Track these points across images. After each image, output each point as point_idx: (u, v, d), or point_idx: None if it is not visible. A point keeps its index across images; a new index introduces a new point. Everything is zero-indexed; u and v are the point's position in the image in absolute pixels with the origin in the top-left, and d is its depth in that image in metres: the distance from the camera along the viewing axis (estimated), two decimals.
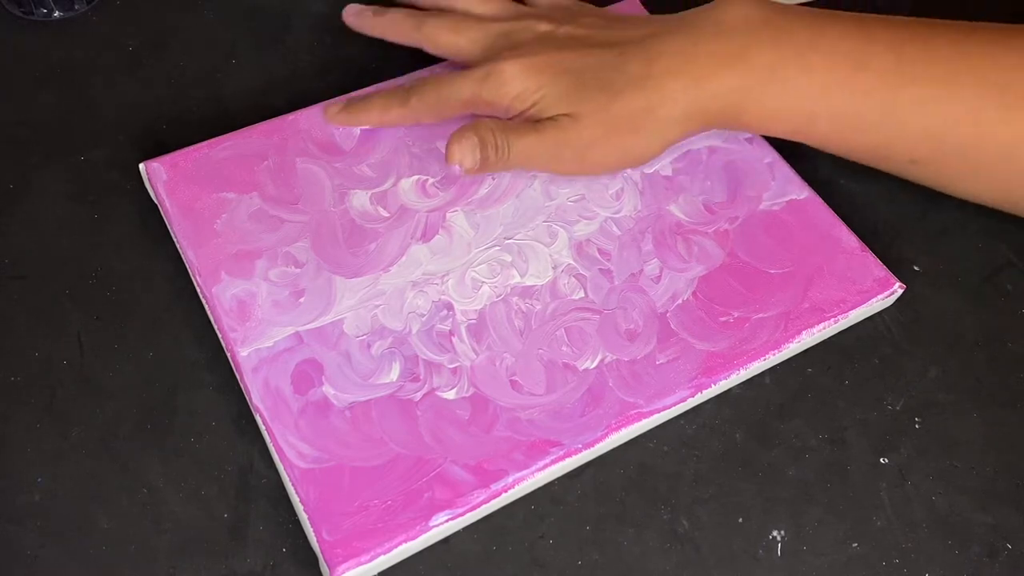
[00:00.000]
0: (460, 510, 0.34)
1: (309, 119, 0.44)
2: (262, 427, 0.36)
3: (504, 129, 0.40)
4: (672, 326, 0.39)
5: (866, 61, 0.38)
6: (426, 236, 0.41)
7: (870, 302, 0.40)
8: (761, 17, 0.40)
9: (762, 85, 0.39)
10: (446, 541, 0.35)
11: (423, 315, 0.39)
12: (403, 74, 0.46)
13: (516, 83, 0.40)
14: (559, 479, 0.37)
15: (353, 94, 0.45)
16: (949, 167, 0.39)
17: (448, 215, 0.41)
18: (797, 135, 0.40)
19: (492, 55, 0.41)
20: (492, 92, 0.40)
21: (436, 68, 0.46)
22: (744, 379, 0.39)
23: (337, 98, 0.44)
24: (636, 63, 0.40)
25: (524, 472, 0.35)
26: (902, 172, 0.41)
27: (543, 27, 0.42)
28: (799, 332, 0.39)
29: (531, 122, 0.40)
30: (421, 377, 0.37)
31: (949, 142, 0.38)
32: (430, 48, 0.44)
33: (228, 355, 0.38)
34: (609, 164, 0.42)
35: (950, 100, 0.38)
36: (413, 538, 0.34)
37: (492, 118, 0.41)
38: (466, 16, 0.44)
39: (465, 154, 0.39)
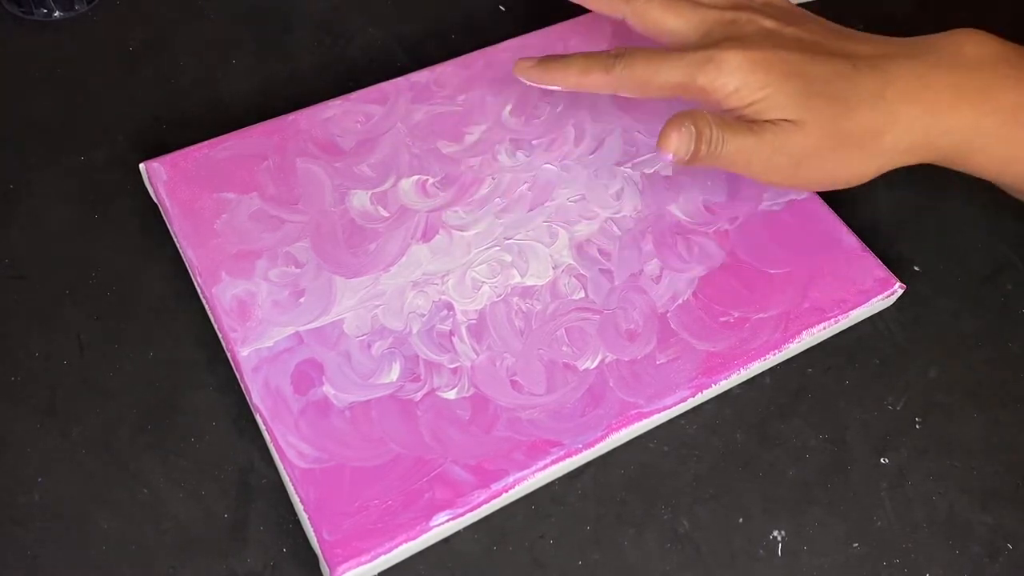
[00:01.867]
0: (460, 510, 0.34)
1: (309, 119, 0.44)
2: (262, 427, 0.36)
3: (722, 124, 0.37)
4: (672, 326, 0.39)
5: None
6: (426, 236, 0.41)
7: (870, 302, 0.40)
8: (999, 54, 0.37)
9: (1002, 126, 0.36)
10: (446, 541, 0.35)
11: (423, 315, 0.39)
12: (401, 75, 0.46)
13: (738, 76, 0.37)
14: (559, 479, 0.37)
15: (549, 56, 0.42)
16: None
17: (448, 215, 0.41)
18: (1020, 180, 0.38)
19: (710, 42, 0.38)
20: (710, 80, 0.37)
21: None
22: (744, 379, 0.39)
23: (529, 58, 0.41)
24: (871, 80, 0.37)
25: (524, 472, 0.35)
26: None
27: (769, 23, 0.39)
28: (799, 332, 0.39)
29: (747, 121, 0.38)
30: (421, 377, 0.37)
31: None
32: (637, 24, 0.41)
33: (228, 355, 0.38)
34: (820, 179, 0.39)
35: None
36: (413, 538, 0.34)
37: (707, 111, 0.38)
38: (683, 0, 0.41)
39: (682, 143, 0.37)
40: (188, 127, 0.46)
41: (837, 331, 0.40)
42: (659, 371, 0.37)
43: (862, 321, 0.41)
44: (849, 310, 0.40)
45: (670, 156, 0.37)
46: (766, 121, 0.37)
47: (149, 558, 0.34)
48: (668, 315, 0.39)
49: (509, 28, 0.49)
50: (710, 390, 0.38)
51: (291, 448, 0.35)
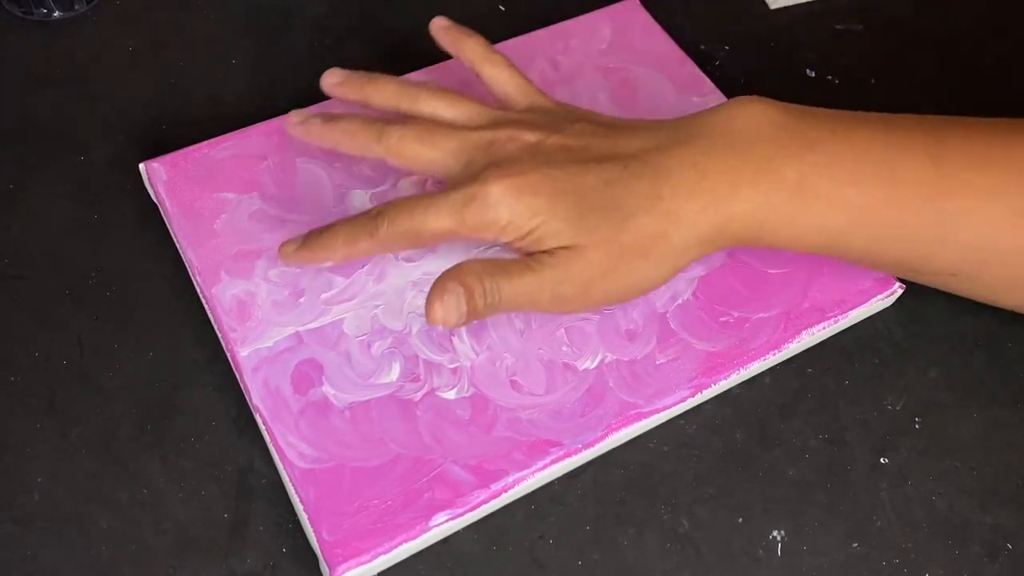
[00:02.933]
0: (460, 510, 0.34)
1: None
2: (262, 427, 0.36)
3: (493, 270, 0.35)
4: (672, 326, 0.39)
5: (902, 170, 0.34)
6: None
7: (870, 302, 0.40)
8: (778, 122, 0.35)
9: (788, 202, 0.35)
10: (446, 541, 0.35)
11: (423, 315, 0.39)
12: (401, 75, 0.46)
13: (505, 208, 0.34)
14: (559, 479, 0.37)
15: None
16: (992, 278, 0.36)
17: None
18: (824, 251, 0.36)
19: (472, 171, 0.36)
20: (477, 218, 0.35)
21: (435, 69, 0.46)
22: (744, 379, 0.39)
23: (293, 238, 0.38)
24: (644, 182, 0.35)
25: (524, 472, 0.35)
26: (940, 285, 0.37)
27: (529, 136, 0.37)
28: (799, 332, 0.39)
29: (524, 257, 0.36)
30: (421, 377, 0.37)
31: (992, 253, 0.35)
32: (395, 161, 0.38)
33: (228, 355, 0.38)
34: (613, 296, 0.37)
35: (992, 209, 0.34)
36: (413, 538, 0.34)
37: (476, 259, 0.36)
38: (434, 123, 0.38)
39: (449, 311, 0.34)
40: (188, 127, 0.46)
41: (837, 331, 0.40)
42: (659, 371, 0.37)
43: (862, 321, 0.41)
44: (849, 310, 0.40)
45: (440, 327, 0.35)
46: (543, 253, 0.35)
47: (149, 558, 0.34)
48: (668, 315, 0.39)
49: (509, 28, 0.49)
50: (710, 390, 0.38)
51: (291, 448, 0.35)
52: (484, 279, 0.35)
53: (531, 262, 0.35)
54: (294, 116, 0.40)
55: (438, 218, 0.35)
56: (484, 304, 0.35)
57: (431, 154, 0.37)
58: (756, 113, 0.36)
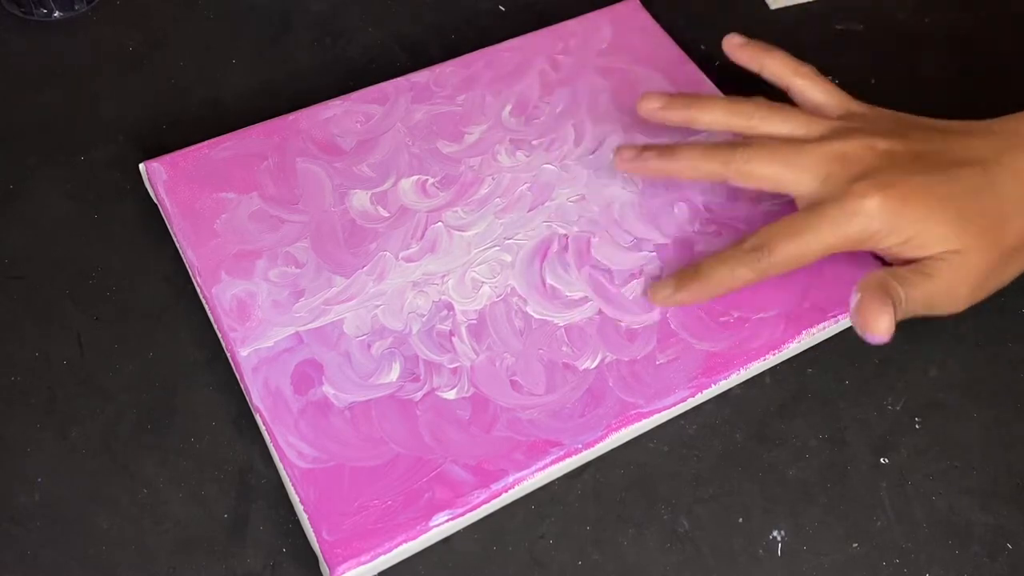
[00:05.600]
0: (460, 510, 0.34)
1: (309, 119, 0.44)
2: (262, 427, 0.36)
3: (896, 279, 0.36)
4: (672, 326, 0.39)
5: None
6: (426, 236, 0.41)
7: None
8: None
9: None
10: (446, 541, 0.35)
11: (423, 315, 0.39)
12: (401, 75, 0.46)
13: (886, 219, 0.36)
14: (559, 479, 0.37)
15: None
16: None
17: (448, 215, 0.41)
18: None
19: (836, 185, 0.37)
20: (859, 232, 0.36)
21: (435, 69, 0.46)
22: (744, 379, 0.39)
23: (662, 280, 0.39)
24: (1010, 187, 0.37)
25: (524, 472, 0.35)
26: None
27: (881, 144, 0.37)
28: (799, 332, 0.39)
29: (912, 265, 0.37)
30: (421, 377, 0.37)
31: None
32: (743, 183, 0.39)
33: (228, 355, 0.38)
34: (994, 289, 0.38)
35: None
36: (413, 538, 0.34)
37: (879, 272, 0.36)
38: (778, 140, 0.39)
39: (891, 322, 0.35)
40: (188, 127, 0.46)
41: (837, 331, 0.40)
42: (659, 371, 0.37)
43: None
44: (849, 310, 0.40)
45: (882, 337, 0.35)
46: (929, 259, 0.36)
47: (149, 558, 0.34)
48: (668, 315, 0.39)
49: (509, 28, 0.49)
50: (710, 390, 0.38)
51: (291, 448, 0.35)
52: (896, 287, 0.36)
53: (924, 268, 0.36)
54: (623, 152, 0.41)
55: (819, 238, 0.36)
56: (902, 311, 0.36)
57: (784, 173, 0.38)
58: None
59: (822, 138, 0.38)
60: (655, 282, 0.39)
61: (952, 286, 0.36)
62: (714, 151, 0.39)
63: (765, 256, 0.37)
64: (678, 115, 0.41)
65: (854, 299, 0.36)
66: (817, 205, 0.37)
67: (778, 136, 0.39)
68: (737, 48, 0.43)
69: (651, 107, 0.41)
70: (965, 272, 0.36)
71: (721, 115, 0.40)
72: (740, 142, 0.39)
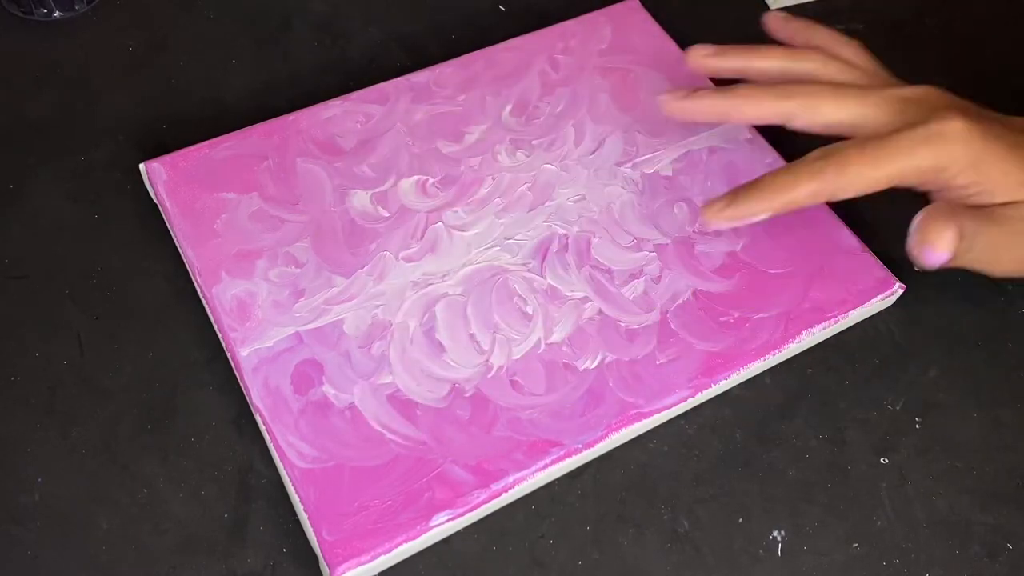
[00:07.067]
0: (460, 510, 0.34)
1: (309, 119, 0.44)
2: (262, 427, 0.36)
3: (967, 214, 0.34)
4: (672, 326, 0.39)
5: None
6: (426, 236, 0.41)
7: (870, 302, 0.40)
8: None
9: None
10: (446, 541, 0.35)
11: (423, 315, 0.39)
12: (401, 75, 0.46)
13: (966, 147, 0.33)
14: (559, 479, 0.37)
15: (735, 190, 0.36)
16: None
17: (448, 215, 0.41)
18: None
19: (912, 116, 0.34)
20: (937, 156, 0.33)
21: (435, 69, 0.46)
22: (744, 379, 0.39)
23: (715, 200, 0.37)
24: None
25: (524, 472, 0.35)
26: None
27: (950, 96, 0.36)
28: (799, 332, 0.39)
29: (977, 207, 0.34)
30: None
31: None
32: (808, 118, 0.36)
33: (228, 355, 0.38)
34: None
35: None
36: (413, 538, 0.34)
37: (944, 203, 0.34)
38: (841, 84, 0.37)
39: (945, 246, 0.33)
40: (188, 127, 0.46)
41: (837, 331, 0.40)
42: (659, 371, 0.37)
43: (862, 321, 0.41)
44: (849, 310, 0.40)
45: (942, 254, 0.33)
46: (999, 205, 0.34)
47: (149, 558, 0.34)
48: (668, 315, 0.39)
49: (509, 28, 0.49)
50: (710, 390, 0.38)
51: (291, 448, 0.35)
52: (966, 219, 0.33)
53: (992, 214, 0.34)
54: (674, 93, 0.38)
55: (893, 160, 0.33)
56: (964, 248, 0.34)
57: (855, 108, 0.36)
58: None
59: (888, 85, 0.36)
60: (709, 203, 0.37)
61: (1018, 239, 0.34)
62: (777, 86, 0.37)
63: (831, 171, 0.34)
64: (731, 62, 0.39)
65: (916, 219, 0.34)
66: (894, 131, 0.34)
67: (836, 81, 0.37)
68: (781, 22, 0.41)
69: (702, 54, 0.39)
70: None
71: (780, 60, 0.38)
72: (797, 82, 0.37)
